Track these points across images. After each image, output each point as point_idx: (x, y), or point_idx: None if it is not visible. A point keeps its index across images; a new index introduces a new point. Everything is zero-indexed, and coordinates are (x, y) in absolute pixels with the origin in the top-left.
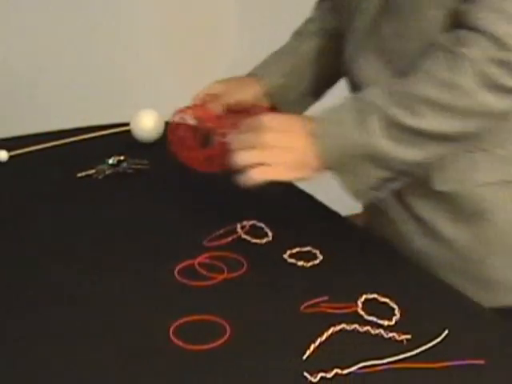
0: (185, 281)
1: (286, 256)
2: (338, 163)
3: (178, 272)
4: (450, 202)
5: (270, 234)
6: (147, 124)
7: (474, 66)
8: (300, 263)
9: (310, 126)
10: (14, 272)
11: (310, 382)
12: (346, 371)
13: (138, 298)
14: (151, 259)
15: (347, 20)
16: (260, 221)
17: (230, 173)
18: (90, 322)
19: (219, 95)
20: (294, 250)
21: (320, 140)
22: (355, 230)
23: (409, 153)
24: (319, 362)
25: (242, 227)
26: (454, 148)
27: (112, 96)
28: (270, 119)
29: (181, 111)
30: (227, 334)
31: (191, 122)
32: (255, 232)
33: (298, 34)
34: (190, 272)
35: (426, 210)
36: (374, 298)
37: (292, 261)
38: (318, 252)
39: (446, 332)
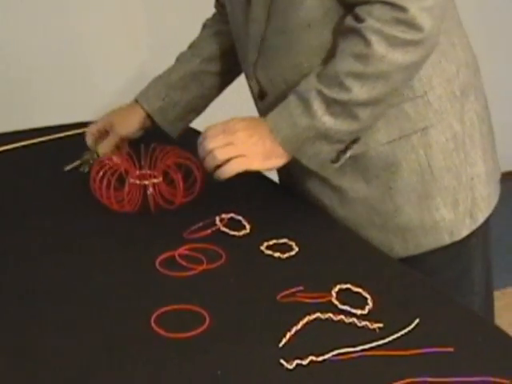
0: (166, 271)
1: (263, 248)
2: (297, 149)
3: (159, 263)
4: (359, 165)
5: (247, 226)
6: None
7: (376, 33)
8: (276, 255)
9: (267, 123)
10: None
11: (286, 368)
12: (320, 358)
13: (120, 287)
14: (133, 251)
15: (238, 37)
16: (238, 214)
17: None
18: (74, 312)
19: (111, 127)
20: (271, 242)
21: (277, 134)
22: (330, 222)
23: (350, 123)
24: (295, 349)
25: (221, 220)
26: (387, 106)
27: (96, 94)
28: (237, 121)
29: (104, 157)
30: (206, 323)
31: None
32: (233, 225)
33: (177, 60)
34: (170, 263)
35: (340, 177)
36: (348, 288)
37: (269, 252)
38: (293, 244)
39: (417, 321)
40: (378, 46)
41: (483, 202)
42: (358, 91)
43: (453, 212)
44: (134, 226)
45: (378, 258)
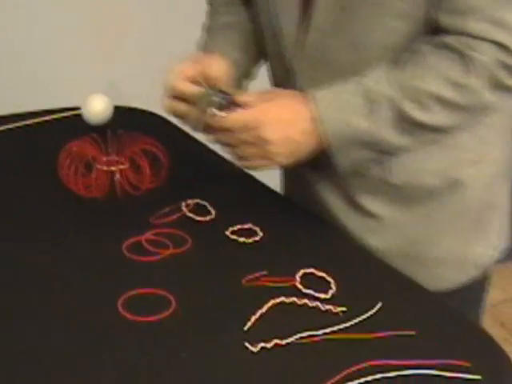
0: (132, 256)
1: (228, 233)
2: (335, 147)
3: (126, 248)
4: (400, 192)
5: (213, 212)
6: (97, 108)
7: (486, 70)
8: (241, 239)
9: (310, 109)
10: None
11: (251, 351)
12: (285, 341)
13: (87, 272)
14: (100, 236)
15: (279, 41)
16: (204, 199)
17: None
18: (39, 298)
19: (197, 75)
20: (236, 227)
21: (323, 125)
22: (294, 207)
23: (406, 141)
24: (260, 332)
25: (187, 205)
26: (444, 134)
27: (66, 81)
28: (264, 112)
29: (71, 144)
30: (173, 307)
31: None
32: (199, 210)
33: (211, 29)
34: (137, 248)
35: (374, 204)
36: (312, 273)
37: (234, 237)
38: (258, 229)
39: (380, 305)
40: (478, 81)
41: (504, 236)
42: (437, 116)
43: (482, 246)
44: (101, 212)
45: (341, 242)
